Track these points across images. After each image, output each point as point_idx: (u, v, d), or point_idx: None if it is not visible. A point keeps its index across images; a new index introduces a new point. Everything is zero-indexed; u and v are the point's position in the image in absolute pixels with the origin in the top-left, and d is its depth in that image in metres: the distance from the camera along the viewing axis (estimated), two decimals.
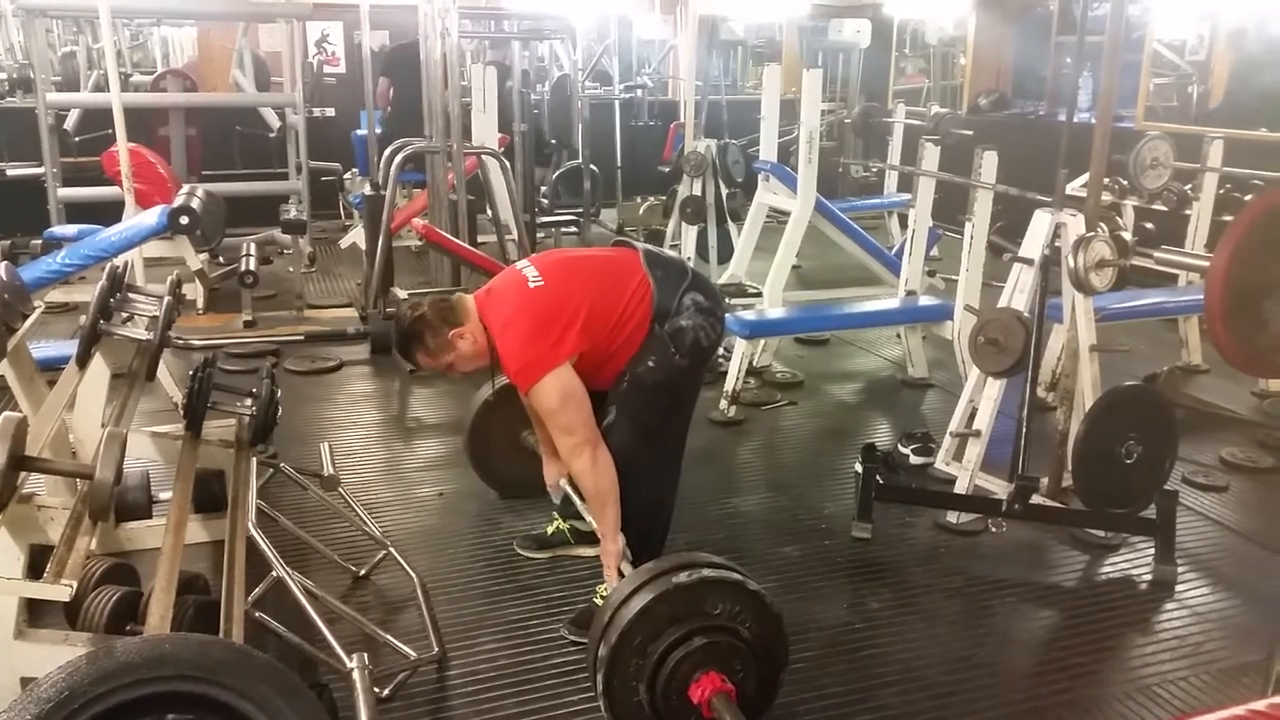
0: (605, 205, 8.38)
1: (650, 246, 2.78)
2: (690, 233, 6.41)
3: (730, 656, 2.17)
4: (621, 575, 2.51)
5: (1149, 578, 3.11)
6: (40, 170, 6.31)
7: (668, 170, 7.62)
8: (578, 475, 2.58)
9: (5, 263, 3.13)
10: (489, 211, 6.15)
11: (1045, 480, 3.40)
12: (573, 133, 7.89)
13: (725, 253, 6.20)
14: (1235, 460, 3.96)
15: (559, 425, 2.53)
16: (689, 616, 2.15)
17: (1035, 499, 3.26)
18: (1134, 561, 3.21)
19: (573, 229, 7.63)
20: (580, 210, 7.81)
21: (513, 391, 3.27)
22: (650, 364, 2.61)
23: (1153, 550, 3.14)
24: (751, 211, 5.57)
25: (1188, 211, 5.27)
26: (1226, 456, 3.98)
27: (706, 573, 2.19)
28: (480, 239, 5.87)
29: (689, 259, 6.14)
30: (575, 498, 2.91)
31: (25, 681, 1.88)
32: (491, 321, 2.61)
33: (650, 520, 2.77)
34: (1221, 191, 5.27)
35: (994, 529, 3.35)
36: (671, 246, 6.58)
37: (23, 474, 2.04)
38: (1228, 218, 5.03)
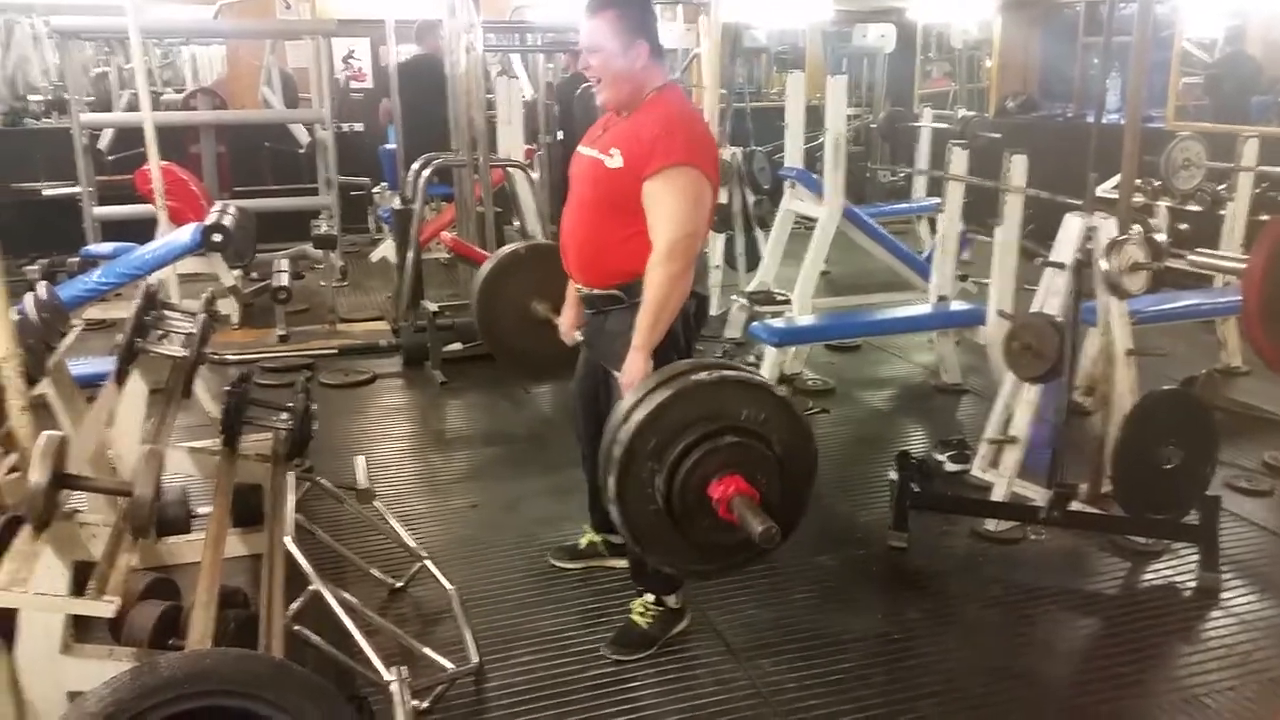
0: None
1: None
2: (717, 241, 6.38)
3: (757, 464, 2.05)
4: None
5: (1193, 585, 3.06)
6: (76, 189, 6.41)
7: None
8: (660, 277, 2.39)
9: (44, 282, 3.18)
10: (515, 223, 6.18)
11: (1084, 486, 3.35)
12: None
13: (753, 260, 6.18)
14: (1279, 464, 3.89)
15: (680, 221, 2.38)
16: (720, 416, 2.03)
17: (1074, 506, 3.21)
18: (1177, 568, 3.16)
19: None
20: None
21: (523, 260, 3.23)
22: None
23: (1196, 557, 3.09)
24: (778, 218, 5.56)
25: (1223, 211, 5.20)
26: (1270, 460, 3.90)
27: (729, 374, 2.08)
28: None
29: (717, 267, 6.14)
30: (585, 346, 2.79)
31: (72, 696, 1.90)
32: (668, 96, 2.50)
33: None
34: (1258, 191, 5.20)
35: (1033, 536, 3.31)
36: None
37: (65, 492, 2.06)
38: (1265, 217, 4.97)
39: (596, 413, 2.76)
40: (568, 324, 2.91)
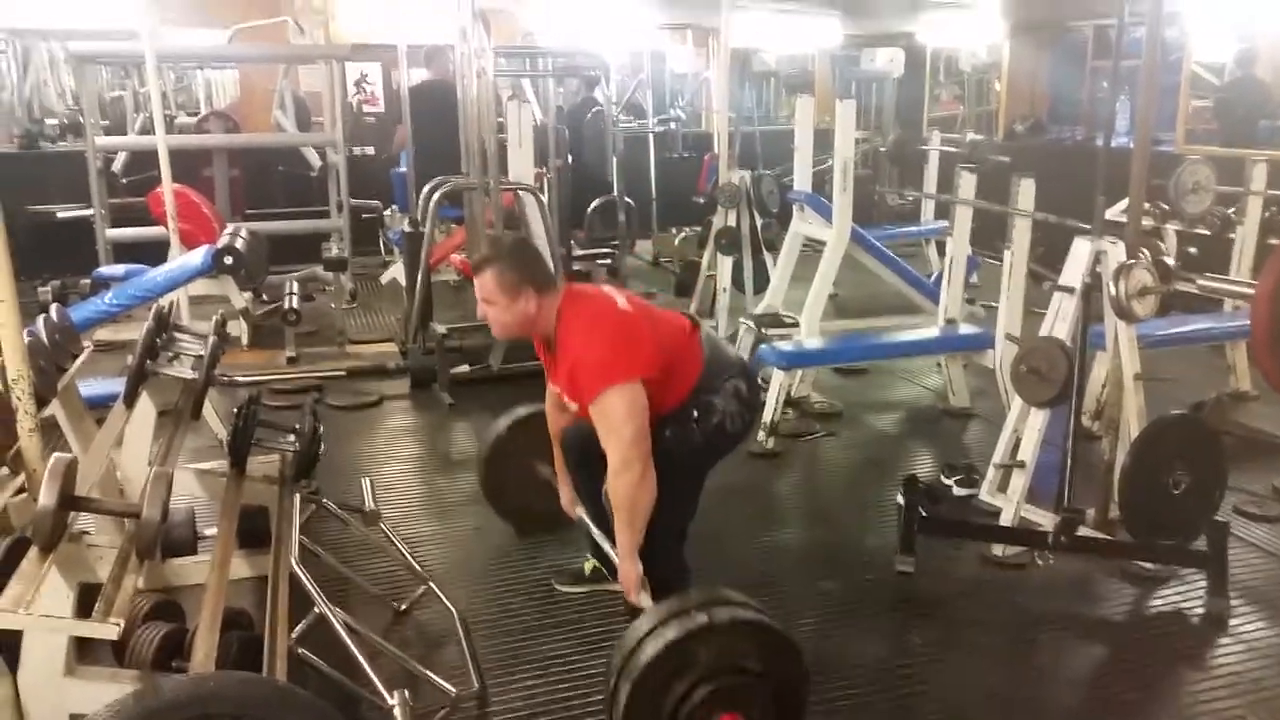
0: (641, 237, 8.43)
1: (712, 331, 2.82)
2: (726, 263, 6.41)
3: (741, 694, 2.11)
4: (633, 610, 2.54)
5: (1201, 611, 3.03)
6: (89, 212, 6.47)
7: (703, 202, 7.65)
8: (621, 488, 2.51)
9: (55, 304, 3.21)
10: None
11: (1092, 511, 3.34)
12: (607, 166, 7.95)
13: (761, 283, 6.19)
14: None
15: (621, 436, 2.49)
16: (686, 670, 2.10)
17: (1082, 531, 3.19)
18: (1185, 594, 3.14)
19: (607, 260, 7.68)
20: (616, 243, 7.86)
21: (526, 425, 3.34)
22: (666, 434, 2.61)
23: (1204, 583, 3.07)
24: (787, 241, 5.56)
25: (1232, 235, 5.18)
26: None
27: (691, 623, 2.12)
28: None
29: (725, 290, 6.15)
30: (592, 526, 2.88)
31: (74, 718, 1.90)
32: (570, 319, 2.61)
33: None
34: (1267, 215, 5.19)
35: (1040, 562, 3.28)
36: (707, 277, 6.59)
37: (73, 513, 2.08)
38: (1274, 241, 4.96)
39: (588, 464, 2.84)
40: (567, 501, 3.05)
